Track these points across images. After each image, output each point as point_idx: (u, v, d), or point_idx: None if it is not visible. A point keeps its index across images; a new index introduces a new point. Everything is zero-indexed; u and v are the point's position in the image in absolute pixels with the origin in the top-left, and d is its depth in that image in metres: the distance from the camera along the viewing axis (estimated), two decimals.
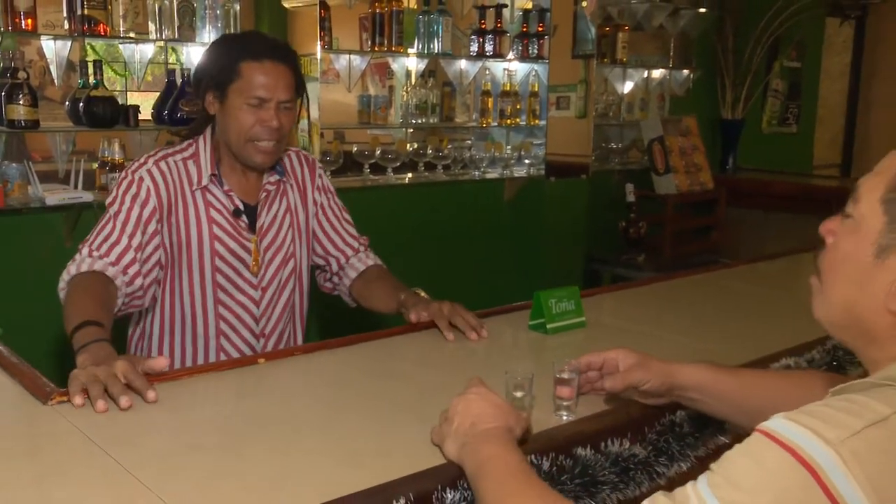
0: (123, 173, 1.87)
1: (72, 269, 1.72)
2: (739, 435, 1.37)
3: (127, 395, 1.31)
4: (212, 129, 1.92)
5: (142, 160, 1.86)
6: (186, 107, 2.86)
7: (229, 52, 1.85)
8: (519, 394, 1.31)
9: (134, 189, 1.81)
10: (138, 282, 1.78)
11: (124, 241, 1.76)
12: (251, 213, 1.93)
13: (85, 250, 1.75)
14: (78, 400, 1.30)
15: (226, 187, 1.89)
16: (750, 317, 2.01)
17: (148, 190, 1.82)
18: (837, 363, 1.65)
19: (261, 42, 1.86)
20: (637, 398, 1.34)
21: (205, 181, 1.87)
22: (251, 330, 1.93)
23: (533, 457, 1.16)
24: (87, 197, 2.70)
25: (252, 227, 1.92)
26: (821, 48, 5.68)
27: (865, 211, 0.92)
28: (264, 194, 1.94)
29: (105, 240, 1.76)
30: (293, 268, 1.99)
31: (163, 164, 1.86)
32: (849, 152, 6.32)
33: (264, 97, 1.80)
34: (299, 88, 1.90)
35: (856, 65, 6.26)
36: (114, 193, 1.84)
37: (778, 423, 0.81)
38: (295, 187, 2.02)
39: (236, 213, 1.90)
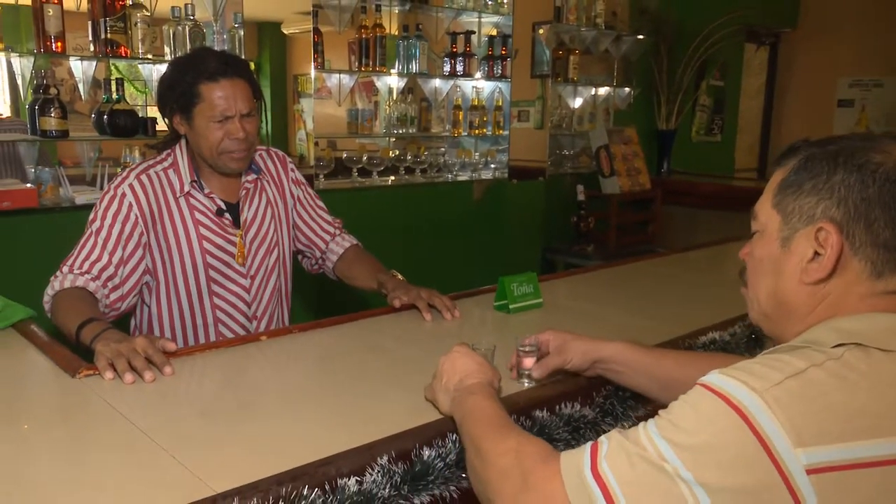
0: (107, 188, 1.75)
1: (55, 284, 1.62)
2: (655, 408, 1.38)
3: (150, 369, 1.29)
4: (185, 139, 1.82)
5: (125, 174, 1.76)
6: None
7: (186, 77, 1.73)
8: (527, 348, 1.34)
9: (115, 205, 1.71)
10: (116, 294, 1.69)
11: (105, 257, 1.67)
12: (233, 210, 1.85)
13: (65, 269, 1.65)
14: (108, 374, 1.28)
15: (207, 190, 1.81)
16: (682, 297, 2.02)
17: (130, 205, 1.72)
18: (756, 336, 1.66)
19: (213, 60, 1.73)
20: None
21: (186, 188, 1.79)
22: (244, 314, 1.87)
23: None
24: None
25: (236, 222, 1.85)
26: (741, 70, 5.73)
27: (764, 219, 0.97)
28: (244, 192, 1.86)
29: (86, 258, 1.66)
30: (278, 255, 1.93)
31: (144, 177, 1.76)
32: (764, 158, 6.40)
33: (227, 114, 1.71)
34: (256, 94, 1.80)
35: (770, 84, 6.33)
36: (96, 210, 1.72)
37: (714, 377, 0.83)
38: (271, 182, 1.94)
39: (219, 213, 1.82)
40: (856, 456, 0.77)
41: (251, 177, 1.88)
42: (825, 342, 0.86)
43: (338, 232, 2.06)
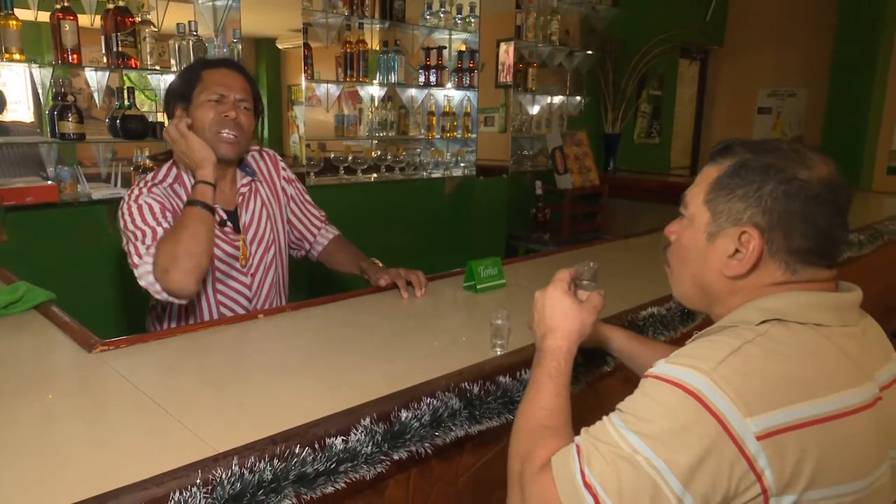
0: (125, 207, 1.62)
1: (147, 262, 1.52)
2: (618, 365, 1.40)
3: None
4: None
5: (136, 192, 1.64)
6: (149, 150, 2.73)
7: (192, 67, 1.72)
8: (499, 321, 1.32)
9: (142, 208, 1.61)
10: None
11: (159, 231, 1.57)
12: (232, 216, 1.76)
13: (142, 254, 1.53)
14: None
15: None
16: (624, 277, 2.03)
17: (154, 203, 1.62)
18: (688, 311, 1.67)
19: (219, 58, 1.73)
20: None
21: None
22: (245, 308, 1.79)
23: (466, 383, 1.16)
24: (125, 193, 2.58)
25: (236, 228, 1.75)
26: (675, 81, 5.77)
27: (694, 211, 0.96)
28: (241, 198, 1.77)
29: (147, 237, 1.56)
30: (274, 252, 1.85)
31: (156, 190, 1.66)
32: (696, 158, 6.45)
33: (223, 93, 1.65)
34: (256, 98, 1.72)
35: (700, 94, 6.37)
36: (126, 222, 1.59)
37: (663, 368, 0.82)
38: (264, 183, 1.85)
39: (222, 224, 1.73)
40: (795, 418, 0.77)
41: (246, 180, 1.80)
42: (751, 320, 0.86)
43: (323, 224, 2.00)
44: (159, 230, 1.58)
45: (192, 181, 1.65)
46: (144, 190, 1.66)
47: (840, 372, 0.83)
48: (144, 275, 1.53)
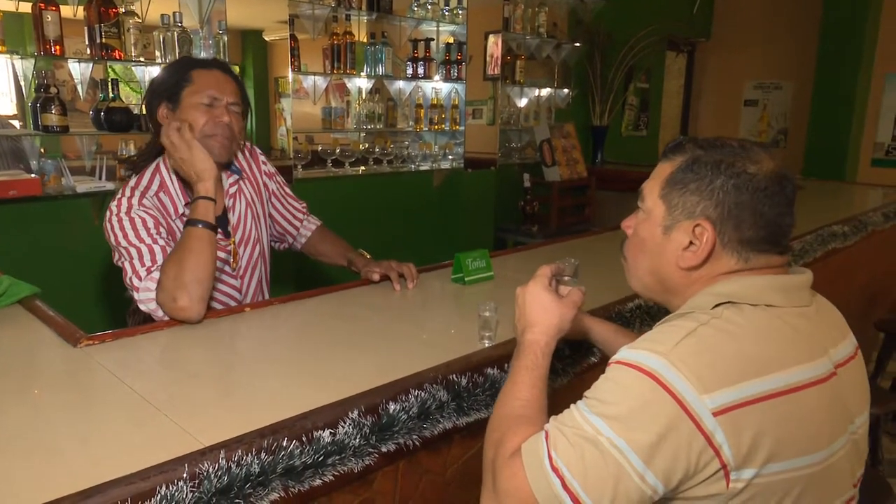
0: (115, 220, 1.52)
1: (149, 287, 1.43)
2: (605, 357, 1.40)
3: None
4: (166, 158, 1.60)
5: (125, 204, 1.53)
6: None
7: (180, 66, 1.62)
8: (487, 313, 1.33)
9: (135, 221, 1.52)
10: None
11: (156, 249, 1.49)
12: (221, 219, 1.67)
13: (137, 281, 1.45)
14: None
15: None
16: (613, 269, 2.02)
17: (144, 219, 1.53)
18: None
19: (208, 58, 1.60)
20: None
21: (181, 210, 1.60)
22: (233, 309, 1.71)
23: (454, 375, 1.16)
24: (109, 186, 2.57)
25: (226, 232, 1.68)
26: (662, 74, 5.79)
27: (651, 205, 1.00)
28: (230, 200, 1.70)
29: (145, 256, 1.47)
30: (260, 250, 1.79)
31: (145, 201, 1.56)
32: None
33: (215, 96, 1.58)
34: (244, 101, 1.66)
35: (687, 86, 6.40)
36: (118, 237, 1.50)
37: (624, 353, 0.85)
38: (247, 181, 1.77)
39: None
40: (749, 393, 0.80)
41: (232, 179, 1.73)
42: (705, 305, 0.90)
43: (305, 216, 1.96)
44: (157, 248, 1.49)
45: (177, 186, 1.60)
46: (134, 202, 1.55)
47: (792, 348, 0.86)
48: (146, 300, 1.44)
